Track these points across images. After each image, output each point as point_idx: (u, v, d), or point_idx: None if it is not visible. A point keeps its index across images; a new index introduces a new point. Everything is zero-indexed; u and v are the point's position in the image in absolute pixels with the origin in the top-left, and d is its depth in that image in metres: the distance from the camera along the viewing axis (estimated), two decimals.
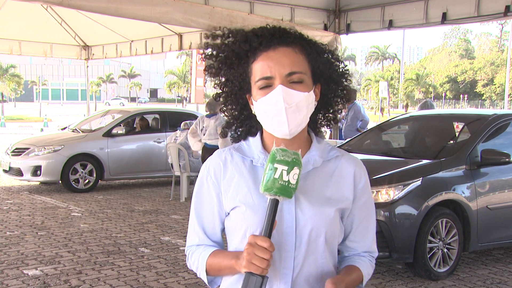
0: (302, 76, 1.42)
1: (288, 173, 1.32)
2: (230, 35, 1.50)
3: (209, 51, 1.53)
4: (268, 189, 1.32)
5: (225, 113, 1.57)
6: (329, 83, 1.51)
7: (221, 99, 1.55)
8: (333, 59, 1.52)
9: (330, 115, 1.56)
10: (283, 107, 1.38)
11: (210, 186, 1.53)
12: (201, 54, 1.56)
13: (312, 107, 1.45)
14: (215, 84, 1.55)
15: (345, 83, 1.55)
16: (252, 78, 1.45)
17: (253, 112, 1.49)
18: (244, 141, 1.56)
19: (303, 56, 1.45)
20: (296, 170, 1.32)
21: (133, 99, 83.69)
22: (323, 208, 1.45)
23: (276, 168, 1.32)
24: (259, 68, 1.43)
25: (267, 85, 1.41)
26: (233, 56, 1.47)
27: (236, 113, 1.54)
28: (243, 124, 1.55)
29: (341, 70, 1.54)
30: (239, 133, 1.57)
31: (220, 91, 1.54)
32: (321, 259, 1.46)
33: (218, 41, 1.52)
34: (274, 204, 1.33)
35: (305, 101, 1.41)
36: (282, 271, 1.42)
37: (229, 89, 1.51)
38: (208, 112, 7.94)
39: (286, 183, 1.32)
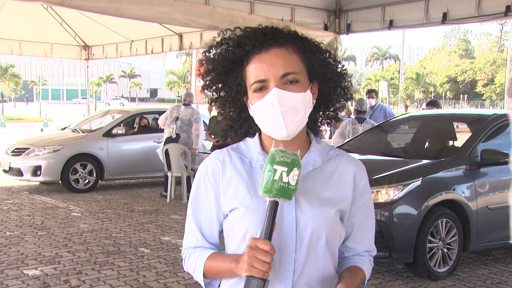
0: (297, 76, 1.40)
1: (288, 174, 1.29)
2: (223, 41, 1.48)
3: (205, 66, 1.50)
4: (268, 191, 1.29)
5: (223, 116, 1.55)
6: (326, 81, 1.49)
7: (218, 104, 1.53)
8: (328, 58, 1.50)
9: (331, 113, 1.54)
10: (279, 111, 1.37)
11: (208, 187, 1.50)
12: (199, 72, 1.54)
13: (310, 106, 1.43)
14: (210, 89, 1.52)
15: (344, 82, 1.52)
16: (247, 81, 1.43)
17: (250, 115, 1.47)
18: (242, 142, 1.54)
19: (297, 55, 1.42)
20: (295, 171, 1.30)
21: (132, 99, 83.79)
22: (323, 209, 1.43)
23: (275, 170, 1.29)
24: (253, 71, 1.41)
25: (262, 87, 1.40)
26: (228, 63, 1.45)
27: (235, 115, 1.52)
28: (242, 126, 1.53)
29: (337, 68, 1.51)
30: (238, 135, 1.55)
31: (216, 96, 1.52)
32: (322, 261, 1.44)
33: (214, 50, 1.50)
34: (274, 206, 1.31)
35: (301, 102, 1.39)
36: (282, 273, 1.40)
37: (227, 94, 1.49)
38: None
39: (286, 184, 1.29)
